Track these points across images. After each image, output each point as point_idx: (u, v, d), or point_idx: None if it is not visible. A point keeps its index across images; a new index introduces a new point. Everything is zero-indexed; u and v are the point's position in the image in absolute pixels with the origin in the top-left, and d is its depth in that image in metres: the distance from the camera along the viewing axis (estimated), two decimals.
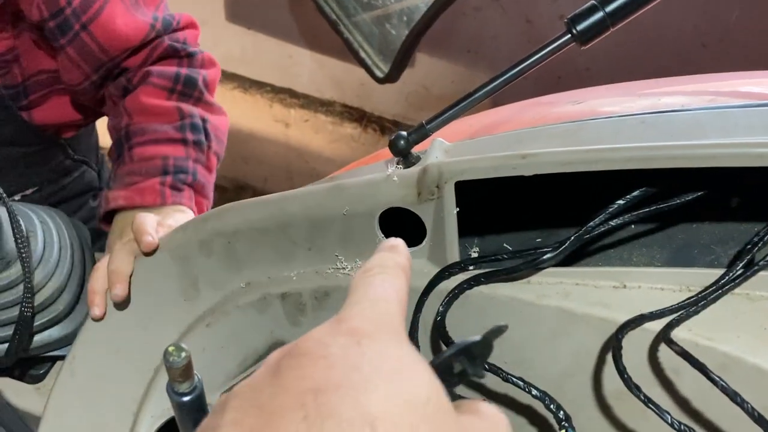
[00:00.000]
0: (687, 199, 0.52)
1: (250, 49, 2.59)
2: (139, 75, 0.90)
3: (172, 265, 0.66)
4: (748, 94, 0.70)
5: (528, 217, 0.64)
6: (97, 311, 0.68)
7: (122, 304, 0.68)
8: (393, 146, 0.62)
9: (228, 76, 2.68)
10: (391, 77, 1.70)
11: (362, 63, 1.78)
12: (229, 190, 2.65)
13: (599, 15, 0.59)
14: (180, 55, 0.92)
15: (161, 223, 0.73)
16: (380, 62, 1.76)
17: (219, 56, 3.00)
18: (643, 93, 0.78)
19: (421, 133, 0.63)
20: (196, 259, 0.65)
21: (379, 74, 1.74)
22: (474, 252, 0.63)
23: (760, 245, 0.49)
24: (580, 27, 0.59)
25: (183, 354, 0.42)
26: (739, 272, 0.48)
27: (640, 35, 1.74)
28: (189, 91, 0.90)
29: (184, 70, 0.91)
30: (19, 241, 0.64)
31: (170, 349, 0.41)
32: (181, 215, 0.83)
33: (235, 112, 2.63)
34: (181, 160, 0.85)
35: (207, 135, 0.89)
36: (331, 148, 2.58)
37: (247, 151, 2.58)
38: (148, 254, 0.67)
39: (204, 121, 0.89)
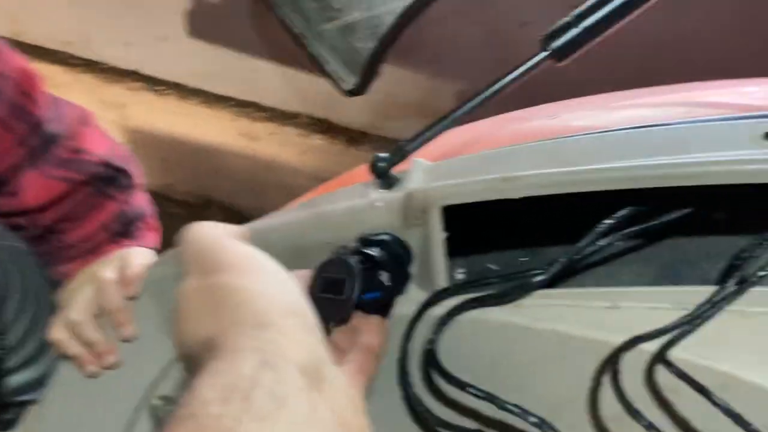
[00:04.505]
0: (675, 216, 0.52)
1: (213, 64, 2.56)
2: None
3: (149, 301, 0.64)
4: (722, 104, 0.71)
5: (511, 234, 0.63)
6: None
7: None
8: (374, 168, 0.62)
9: (192, 92, 2.64)
10: (359, 90, 1.69)
11: (329, 77, 1.76)
12: (196, 206, 2.61)
13: (575, 31, 0.59)
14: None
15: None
16: (347, 76, 1.75)
17: (182, 72, 2.93)
18: (616, 106, 0.78)
19: (401, 154, 0.62)
20: (172, 293, 0.63)
21: (347, 87, 1.73)
22: (460, 273, 0.62)
23: (749, 260, 0.49)
24: (555, 44, 0.59)
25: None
26: (732, 289, 0.48)
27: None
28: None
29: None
30: None
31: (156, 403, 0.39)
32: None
33: (200, 127, 2.59)
34: (117, 214, 0.79)
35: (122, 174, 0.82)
36: (300, 160, 2.56)
37: (212, 166, 2.55)
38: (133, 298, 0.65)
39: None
